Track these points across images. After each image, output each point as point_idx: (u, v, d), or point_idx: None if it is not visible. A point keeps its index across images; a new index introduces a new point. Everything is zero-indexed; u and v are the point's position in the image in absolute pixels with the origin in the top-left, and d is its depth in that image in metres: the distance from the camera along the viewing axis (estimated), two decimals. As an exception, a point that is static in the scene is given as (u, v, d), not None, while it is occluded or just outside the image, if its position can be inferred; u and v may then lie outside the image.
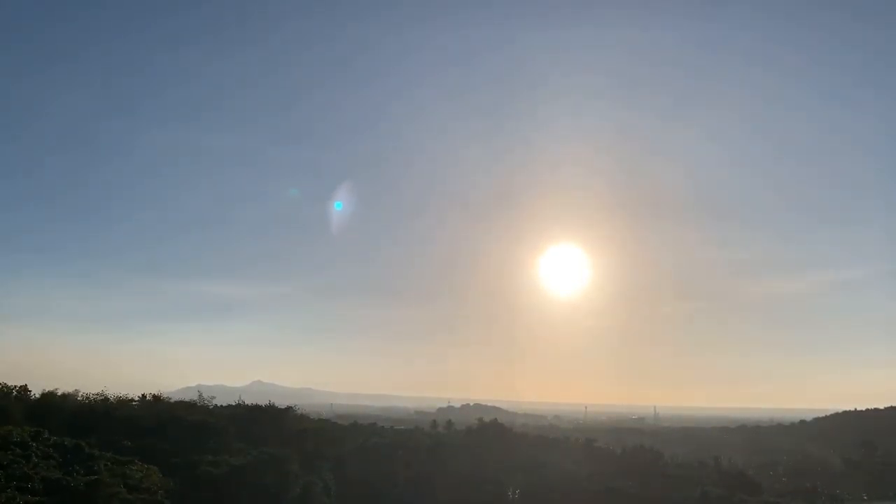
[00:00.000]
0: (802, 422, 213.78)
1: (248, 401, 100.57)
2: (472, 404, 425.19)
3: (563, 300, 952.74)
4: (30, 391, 79.92)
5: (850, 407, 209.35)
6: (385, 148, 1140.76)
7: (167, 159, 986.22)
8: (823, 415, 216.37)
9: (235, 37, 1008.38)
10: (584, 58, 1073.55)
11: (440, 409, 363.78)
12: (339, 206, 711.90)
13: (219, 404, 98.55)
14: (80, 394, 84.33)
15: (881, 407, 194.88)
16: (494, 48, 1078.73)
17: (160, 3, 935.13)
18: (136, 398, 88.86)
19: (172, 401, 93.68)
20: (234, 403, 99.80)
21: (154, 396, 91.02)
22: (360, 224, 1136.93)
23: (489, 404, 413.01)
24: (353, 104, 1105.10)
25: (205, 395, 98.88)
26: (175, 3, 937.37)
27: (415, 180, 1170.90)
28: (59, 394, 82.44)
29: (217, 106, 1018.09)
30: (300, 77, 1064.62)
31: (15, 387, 78.40)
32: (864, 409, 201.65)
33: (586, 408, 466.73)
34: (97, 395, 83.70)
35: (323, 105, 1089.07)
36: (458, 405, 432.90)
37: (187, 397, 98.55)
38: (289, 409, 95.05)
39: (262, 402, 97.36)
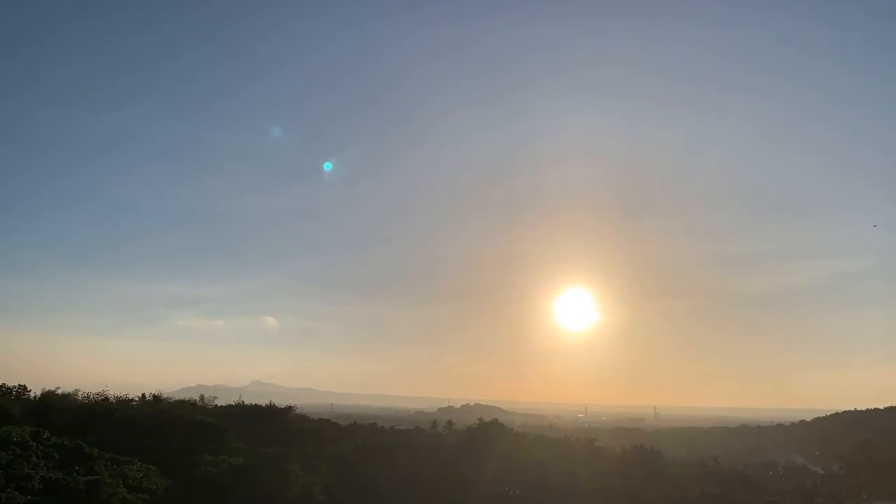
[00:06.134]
0: (802, 422, 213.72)
1: (248, 401, 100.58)
2: (472, 404, 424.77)
3: (562, 300, 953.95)
4: (29, 391, 79.98)
5: (850, 407, 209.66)
6: (385, 149, 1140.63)
7: (160, 156, 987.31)
8: (823, 415, 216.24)
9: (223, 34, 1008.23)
10: (584, 56, 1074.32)
11: (440, 409, 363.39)
12: (329, 166, 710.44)
13: (219, 404, 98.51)
14: (80, 394, 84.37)
15: (881, 407, 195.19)
16: (496, 43, 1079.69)
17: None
18: (136, 398, 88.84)
19: (172, 401, 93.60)
20: (234, 403, 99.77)
21: (154, 396, 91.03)
22: (361, 226, 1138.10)
23: (489, 404, 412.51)
24: (352, 98, 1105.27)
25: (205, 395, 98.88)
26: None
27: (416, 181, 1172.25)
28: (59, 394, 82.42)
29: (225, 105, 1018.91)
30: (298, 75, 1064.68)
31: (15, 387, 78.44)
32: (864, 409, 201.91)
33: (586, 408, 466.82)
34: (97, 395, 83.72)
35: (324, 102, 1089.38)
36: (458, 405, 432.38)
37: (187, 397, 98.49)
38: (289, 409, 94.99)
39: (262, 402, 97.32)
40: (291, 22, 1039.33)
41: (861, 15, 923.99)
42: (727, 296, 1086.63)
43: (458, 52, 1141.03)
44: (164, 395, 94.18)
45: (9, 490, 48.82)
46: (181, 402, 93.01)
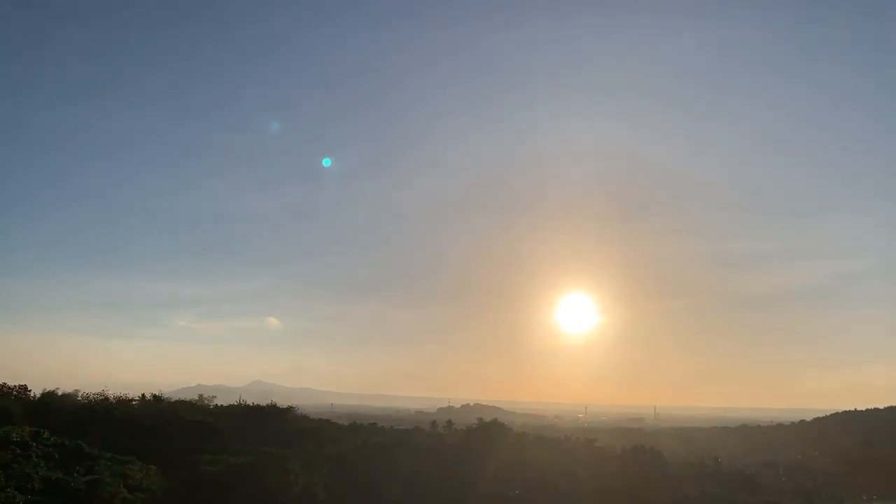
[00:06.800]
0: (802, 422, 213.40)
1: (248, 401, 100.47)
2: (472, 404, 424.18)
3: (562, 300, 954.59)
4: (29, 391, 80.00)
5: (850, 407, 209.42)
6: (385, 149, 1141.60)
7: (161, 156, 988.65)
8: (823, 415, 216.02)
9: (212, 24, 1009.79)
10: (584, 57, 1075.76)
11: (440, 409, 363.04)
12: (328, 162, 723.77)
13: (219, 404, 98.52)
14: (80, 394, 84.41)
15: (881, 407, 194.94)
16: (496, 44, 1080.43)
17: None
18: (136, 398, 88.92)
19: (172, 401, 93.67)
20: (234, 403, 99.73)
21: (154, 396, 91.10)
22: (361, 226, 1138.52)
23: (489, 404, 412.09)
24: (352, 99, 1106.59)
25: (205, 395, 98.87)
26: None
27: (416, 182, 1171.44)
28: (59, 394, 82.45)
29: (226, 106, 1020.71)
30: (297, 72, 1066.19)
31: (15, 387, 78.48)
32: (864, 409, 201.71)
33: (586, 408, 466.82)
34: (97, 395, 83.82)
35: (324, 103, 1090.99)
36: (458, 405, 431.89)
37: (187, 397, 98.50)
38: (289, 409, 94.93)
39: (262, 402, 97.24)
40: (292, 25, 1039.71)
41: (861, 15, 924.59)
42: (727, 296, 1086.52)
43: (458, 52, 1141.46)
44: (164, 395, 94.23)
45: (9, 490, 48.85)
46: (181, 402, 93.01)
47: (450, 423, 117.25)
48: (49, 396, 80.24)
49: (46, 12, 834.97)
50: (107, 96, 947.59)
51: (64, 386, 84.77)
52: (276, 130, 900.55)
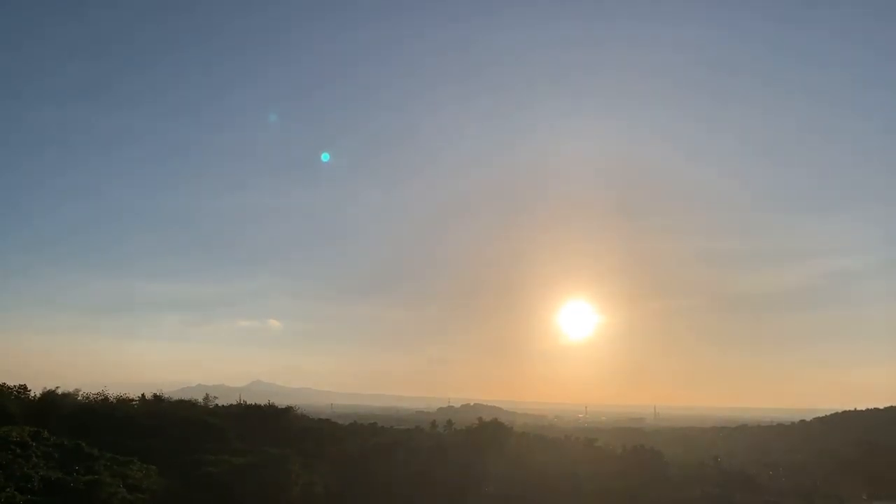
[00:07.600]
0: (802, 422, 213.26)
1: (248, 401, 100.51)
2: (472, 404, 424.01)
3: (562, 300, 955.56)
4: (30, 391, 79.92)
5: (850, 407, 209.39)
6: (386, 148, 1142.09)
7: (161, 155, 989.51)
8: (823, 415, 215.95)
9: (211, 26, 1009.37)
10: (583, 55, 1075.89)
11: (440, 409, 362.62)
12: (326, 157, 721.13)
13: (219, 404, 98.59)
14: (80, 394, 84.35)
15: (881, 407, 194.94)
16: (496, 45, 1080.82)
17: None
18: (136, 398, 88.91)
19: (172, 401, 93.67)
20: (234, 403, 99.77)
21: (154, 396, 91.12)
22: (361, 226, 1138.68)
23: (489, 404, 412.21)
24: (351, 98, 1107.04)
25: (205, 395, 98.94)
26: None
27: (417, 181, 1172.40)
28: (59, 394, 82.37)
29: (225, 105, 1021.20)
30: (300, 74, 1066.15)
31: (15, 387, 78.40)
32: (864, 409, 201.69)
33: (586, 408, 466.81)
34: (97, 395, 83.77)
35: (323, 102, 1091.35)
36: (458, 405, 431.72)
37: (187, 397, 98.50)
38: (289, 409, 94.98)
39: (262, 402, 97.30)
40: (291, 22, 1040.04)
41: (860, 16, 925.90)
42: (727, 296, 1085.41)
43: (458, 50, 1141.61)
44: (164, 395, 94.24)
45: (8, 490, 48.86)
46: (181, 402, 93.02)
47: (450, 422, 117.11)
48: (49, 396, 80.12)
49: (42, 11, 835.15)
50: (107, 95, 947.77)
51: (64, 386, 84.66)
52: (276, 130, 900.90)
